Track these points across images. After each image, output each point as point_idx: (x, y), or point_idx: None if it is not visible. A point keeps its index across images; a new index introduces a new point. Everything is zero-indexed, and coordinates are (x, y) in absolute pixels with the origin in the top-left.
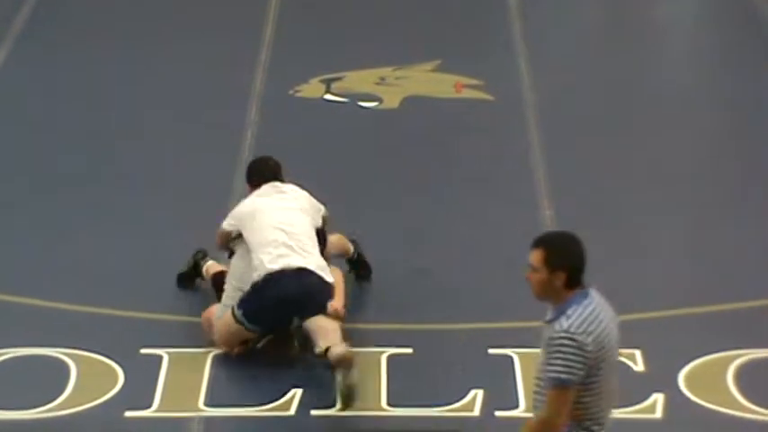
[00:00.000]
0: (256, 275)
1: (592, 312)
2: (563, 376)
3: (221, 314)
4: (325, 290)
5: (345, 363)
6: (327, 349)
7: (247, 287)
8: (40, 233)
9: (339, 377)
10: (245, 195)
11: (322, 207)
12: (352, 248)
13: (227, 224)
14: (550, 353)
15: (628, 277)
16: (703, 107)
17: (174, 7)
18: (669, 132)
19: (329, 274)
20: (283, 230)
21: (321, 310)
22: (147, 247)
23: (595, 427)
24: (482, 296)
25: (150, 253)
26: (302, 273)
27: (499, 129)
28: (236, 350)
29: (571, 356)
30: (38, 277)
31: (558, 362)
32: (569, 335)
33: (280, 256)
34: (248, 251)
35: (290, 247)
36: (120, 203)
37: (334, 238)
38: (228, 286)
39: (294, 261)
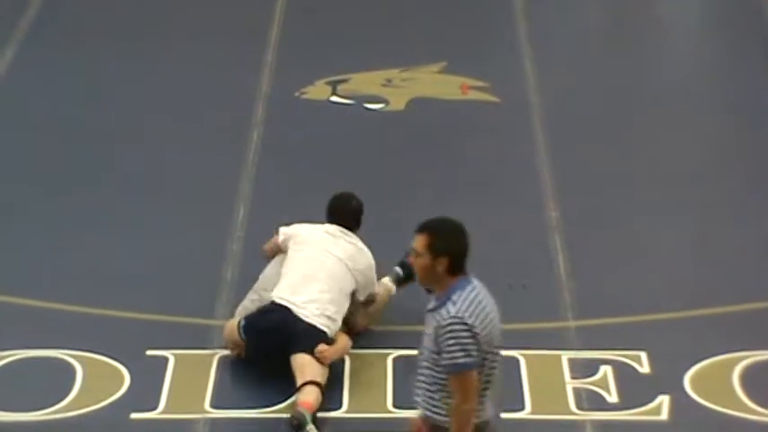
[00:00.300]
0: (268, 297)
1: (476, 298)
2: (460, 360)
3: (237, 311)
4: (311, 335)
5: (295, 418)
6: (298, 389)
7: (265, 294)
8: (44, 235)
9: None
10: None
11: (370, 279)
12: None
13: (282, 233)
14: (443, 341)
15: (633, 279)
16: (706, 108)
17: (179, 8)
18: (673, 133)
19: (326, 324)
20: (311, 273)
21: (305, 350)
22: (153, 249)
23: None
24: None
25: (156, 254)
26: (289, 314)
27: (505, 130)
28: (235, 351)
29: (464, 339)
30: (43, 279)
31: (454, 348)
32: (459, 319)
33: (291, 292)
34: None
35: (304, 286)
36: (124, 204)
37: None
38: (253, 287)
39: (296, 300)
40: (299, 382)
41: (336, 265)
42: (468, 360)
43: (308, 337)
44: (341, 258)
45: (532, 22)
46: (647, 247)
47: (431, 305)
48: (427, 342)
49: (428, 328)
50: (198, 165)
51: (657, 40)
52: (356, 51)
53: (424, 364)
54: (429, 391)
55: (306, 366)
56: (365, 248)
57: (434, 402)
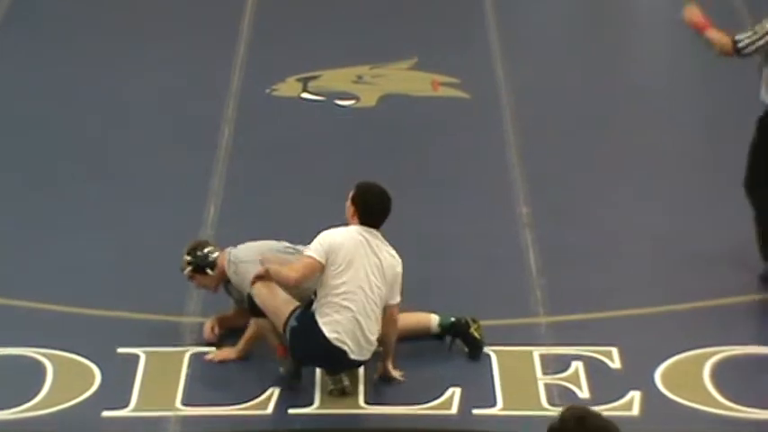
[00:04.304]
0: (318, 318)
1: None
2: None
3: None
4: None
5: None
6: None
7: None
8: (12, 232)
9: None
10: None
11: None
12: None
13: (317, 254)
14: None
15: (604, 274)
16: (680, 104)
17: (149, 5)
18: (645, 129)
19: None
20: (361, 291)
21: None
22: (123, 246)
23: None
24: (458, 294)
25: (126, 252)
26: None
27: (476, 126)
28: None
29: None
30: (12, 276)
31: None
32: None
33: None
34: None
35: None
36: (94, 202)
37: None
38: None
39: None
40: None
41: (380, 281)
42: None
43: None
44: (382, 274)
45: (503, 17)
46: (617, 243)
47: None
48: None
49: None
50: (168, 162)
51: (629, 36)
52: (327, 48)
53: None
54: None
55: None
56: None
57: None
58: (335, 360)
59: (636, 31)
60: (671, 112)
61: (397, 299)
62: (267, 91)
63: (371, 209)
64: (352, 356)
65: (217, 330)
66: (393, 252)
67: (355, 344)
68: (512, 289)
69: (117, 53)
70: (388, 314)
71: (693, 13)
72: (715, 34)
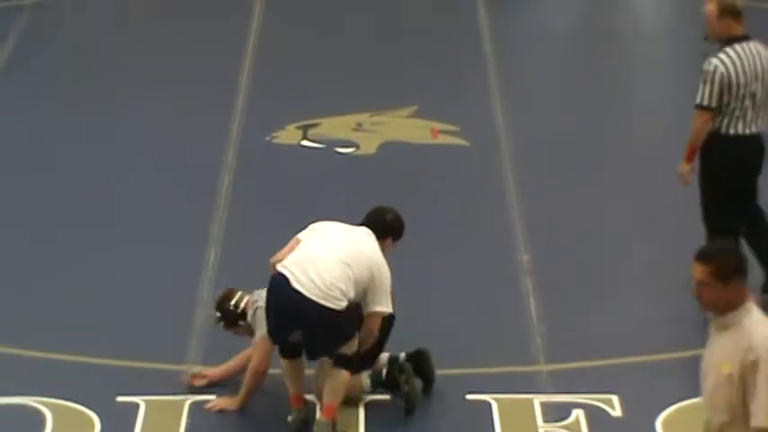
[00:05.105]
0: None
1: None
2: None
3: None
4: (323, 314)
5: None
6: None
7: None
8: (12, 279)
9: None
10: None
11: (381, 280)
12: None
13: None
14: None
15: (604, 321)
16: (679, 149)
17: (150, 53)
18: (644, 174)
19: (336, 303)
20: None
21: (321, 333)
22: (124, 293)
23: None
24: (459, 341)
25: (127, 299)
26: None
27: (475, 174)
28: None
29: None
30: (11, 324)
31: None
32: None
33: (297, 269)
34: None
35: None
36: (95, 248)
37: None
38: None
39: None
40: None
41: (342, 254)
42: None
43: (321, 316)
44: (347, 249)
45: (502, 66)
46: (618, 289)
47: None
48: None
49: None
50: (169, 209)
51: (626, 84)
52: (327, 96)
53: None
54: None
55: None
56: (378, 252)
57: None
58: (279, 291)
59: (634, 78)
60: (670, 157)
61: (378, 308)
62: (267, 138)
63: (366, 216)
64: (295, 284)
65: (200, 382)
66: (380, 256)
67: (302, 274)
68: (512, 336)
69: (118, 103)
70: (367, 322)
71: (684, 170)
72: (689, 141)
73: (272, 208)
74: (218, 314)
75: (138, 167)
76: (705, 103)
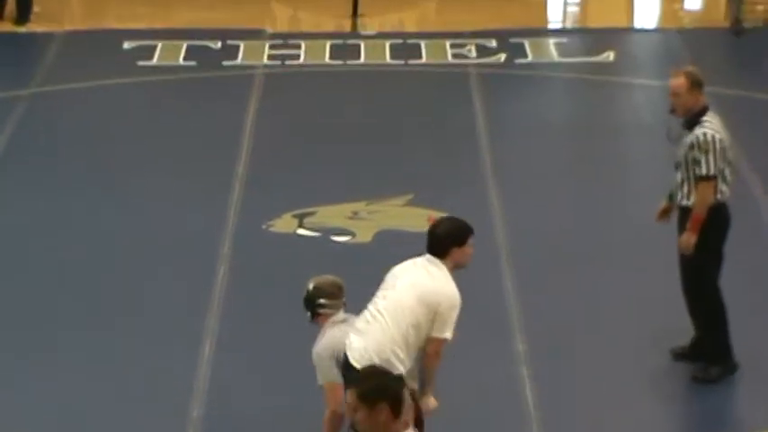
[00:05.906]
0: None
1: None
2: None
3: None
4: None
5: None
6: None
7: None
8: (6, 369)
9: None
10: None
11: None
12: None
13: None
14: None
15: (602, 411)
16: (673, 238)
17: (146, 143)
18: (643, 265)
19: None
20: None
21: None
22: (120, 387)
23: None
24: (456, 429)
25: (123, 392)
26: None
27: (471, 263)
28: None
29: None
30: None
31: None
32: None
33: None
34: None
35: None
36: (89, 340)
37: None
38: None
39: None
40: None
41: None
42: None
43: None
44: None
45: (497, 154)
46: (616, 378)
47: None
48: None
49: None
50: (165, 300)
51: (622, 172)
52: (322, 184)
53: None
54: None
55: None
56: (444, 281)
57: None
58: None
59: (631, 168)
60: (669, 247)
61: (441, 335)
62: (263, 227)
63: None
64: (354, 363)
65: None
66: (449, 285)
67: (360, 354)
68: (508, 424)
69: (114, 192)
70: (429, 347)
71: (693, 242)
72: (697, 212)
73: (268, 296)
74: None
75: (133, 257)
76: (713, 172)
